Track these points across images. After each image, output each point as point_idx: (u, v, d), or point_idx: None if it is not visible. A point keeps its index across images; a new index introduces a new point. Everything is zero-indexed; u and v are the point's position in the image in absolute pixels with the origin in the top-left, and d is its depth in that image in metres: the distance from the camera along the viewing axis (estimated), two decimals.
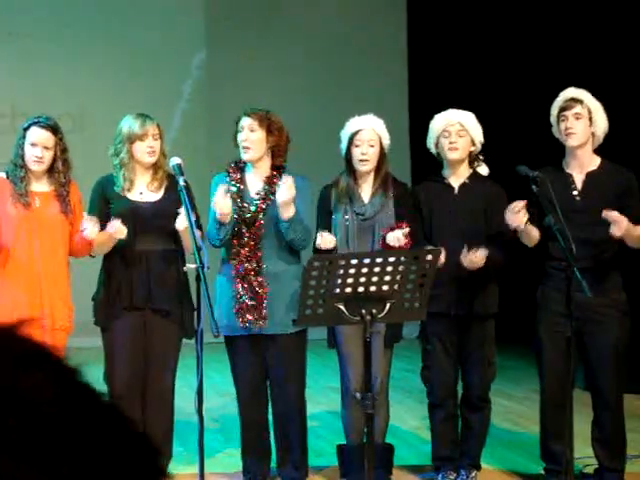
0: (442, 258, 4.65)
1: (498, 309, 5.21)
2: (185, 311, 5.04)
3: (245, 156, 5.00)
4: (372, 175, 5.13)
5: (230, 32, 10.70)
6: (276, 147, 5.02)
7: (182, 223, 4.78)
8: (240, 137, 4.99)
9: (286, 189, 4.83)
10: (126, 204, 5.02)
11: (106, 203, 5.06)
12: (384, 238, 4.96)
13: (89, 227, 4.77)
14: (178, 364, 5.14)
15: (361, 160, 5.05)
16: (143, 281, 4.98)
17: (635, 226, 4.87)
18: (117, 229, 4.81)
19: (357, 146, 5.07)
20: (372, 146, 5.07)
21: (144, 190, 5.09)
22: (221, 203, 4.85)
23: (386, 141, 5.14)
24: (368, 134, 5.08)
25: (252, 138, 4.96)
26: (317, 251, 4.93)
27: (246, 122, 4.98)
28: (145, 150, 5.00)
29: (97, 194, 5.09)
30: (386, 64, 10.92)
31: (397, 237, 4.90)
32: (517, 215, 4.81)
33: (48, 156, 4.93)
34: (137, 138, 4.98)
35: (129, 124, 5.01)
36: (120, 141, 5.02)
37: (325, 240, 4.89)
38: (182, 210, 4.74)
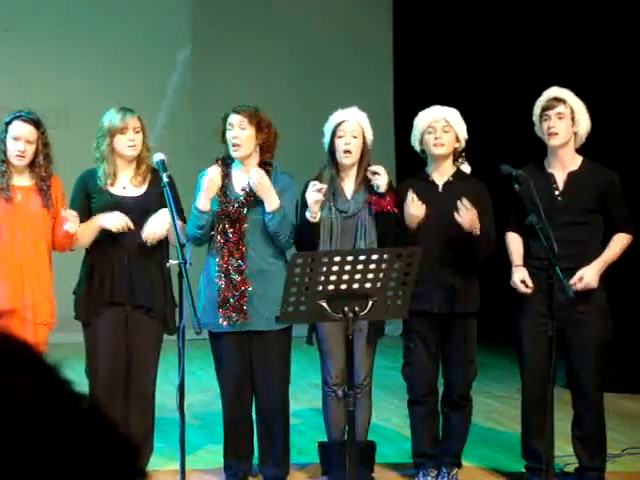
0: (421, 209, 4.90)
1: (480, 307, 5.23)
2: (167, 307, 5.04)
3: (235, 154, 5.00)
4: (355, 168, 5.13)
5: (215, 28, 10.69)
6: (265, 144, 5.03)
7: (159, 228, 4.85)
8: (230, 134, 4.98)
9: (255, 178, 4.88)
10: (108, 198, 5.01)
11: (88, 198, 5.04)
12: (374, 203, 4.98)
13: (70, 220, 4.77)
14: (160, 360, 5.13)
15: (344, 151, 5.06)
16: (125, 277, 4.97)
17: (607, 253, 5.00)
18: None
19: (340, 137, 5.08)
20: (355, 137, 5.08)
21: (127, 184, 5.08)
22: (212, 176, 4.89)
23: (369, 135, 5.15)
24: (351, 125, 5.09)
25: (242, 135, 4.97)
26: (305, 225, 4.94)
27: (235, 119, 4.98)
28: (126, 143, 4.99)
29: (79, 189, 5.08)
30: (371, 61, 10.92)
31: (385, 182, 4.94)
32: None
33: (30, 150, 4.92)
34: (118, 131, 4.97)
35: (110, 117, 5.01)
36: (101, 135, 5.02)
37: (313, 194, 4.90)
38: (150, 223, 4.86)
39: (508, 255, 5.16)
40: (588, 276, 4.92)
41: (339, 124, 5.09)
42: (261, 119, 5.00)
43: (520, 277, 5.01)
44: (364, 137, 5.12)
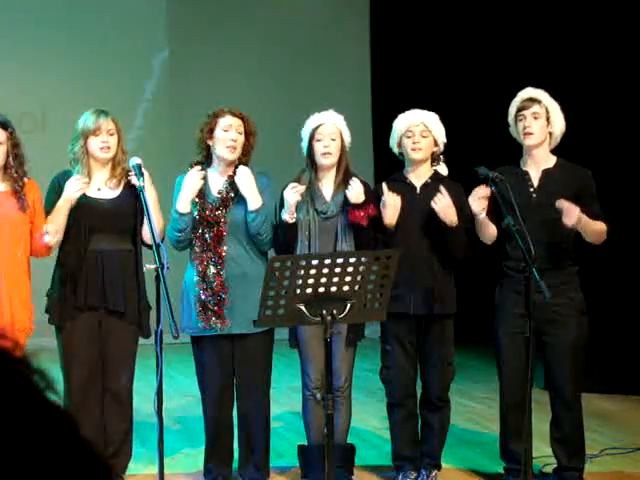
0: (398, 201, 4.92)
1: (457, 309, 5.24)
2: (142, 311, 5.03)
3: (231, 156, 5.01)
4: (334, 170, 5.14)
5: (193, 31, 10.67)
6: (245, 148, 5.06)
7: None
8: (227, 136, 4.98)
9: (243, 177, 4.90)
10: (82, 200, 4.97)
11: None
12: (351, 213, 4.98)
13: (50, 233, 4.74)
14: (139, 365, 5.11)
15: (323, 153, 5.07)
16: (98, 281, 4.95)
17: (589, 219, 4.92)
18: (74, 186, 4.78)
19: (319, 140, 5.08)
20: (333, 140, 5.09)
21: (102, 186, 5.06)
22: (194, 177, 4.88)
23: (347, 137, 5.16)
24: (329, 128, 5.10)
25: (240, 140, 4.99)
26: (282, 226, 4.94)
27: (234, 122, 5.00)
28: (99, 145, 4.97)
29: (53, 190, 5.04)
30: (349, 64, 10.93)
31: (357, 192, 4.94)
32: (480, 200, 4.87)
33: (1, 152, 4.88)
34: (91, 133, 4.96)
35: (84, 119, 5.01)
36: (75, 136, 5.00)
37: (292, 195, 4.91)
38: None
39: (482, 241, 5.14)
40: (572, 208, 4.87)
41: (317, 127, 5.10)
42: (252, 125, 5.08)
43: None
44: (342, 139, 5.13)
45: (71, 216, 4.95)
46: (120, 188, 5.06)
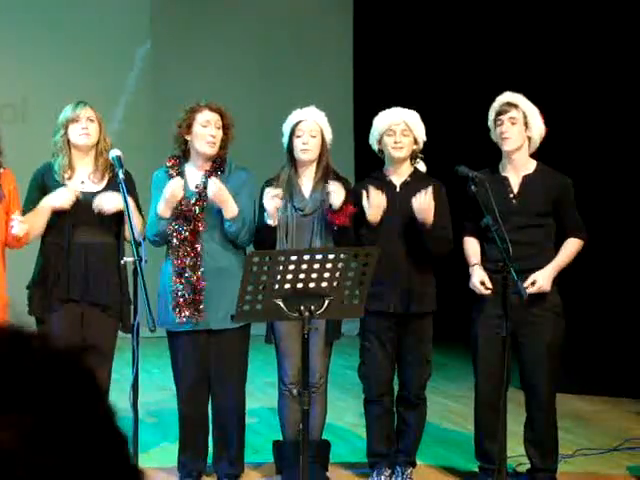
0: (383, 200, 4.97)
1: (436, 307, 5.25)
2: (124, 305, 5.02)
3: (210, 151, 4.99)
4: (314, 167, 5.14)
5: (175, 25, 10.64)
6: (223, 142, 5.04)
7: (109, 207, 4.84)
8: (206, 131, 4.96)
9: (214, 190, 4.88)
10: None
11: (44, 193, 4.99)
12: (330, 215, 4.98)
13: (16, 225, 4.71)
14: (115, 358, 5.10)
15: (303, 150, 5.06)
16: (81, 274, 4.94)
17: (560, 258, 5.04)
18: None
19: (299, 136, 5.08)
20: (314, 136, 5.08)
21: (85, 180, 5.04)
22: (175, 188, 4.87)
23: (328, 134, 5.16)
24: (310, 124, 5.09)
25: (219, 134, 4.98)
26: (264, 228, 4.94)
27: (213, 117, 4.98)
28: (79, 132, 4.97)
29: (35, 183, 5.03)
30: (331, 60, 10.93)
31: (339, 198, 4.94)
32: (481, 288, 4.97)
33: None
34: (70, 122, 4.96)
35: (64, 111, 5.03)
36: (57, 129, 5.00)
37: (270, 202, 4.90)
38: (105, 197, 4.84)
39: (465, 257, 5.18)
40: (541, 281, 4.96)
41: (297, 123, 5.10)
42: (229, 119, 5.06)
43: (479, 278, 5.03)
44: (323, 136, 5.13)
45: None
46: (104, 182, 5.05)
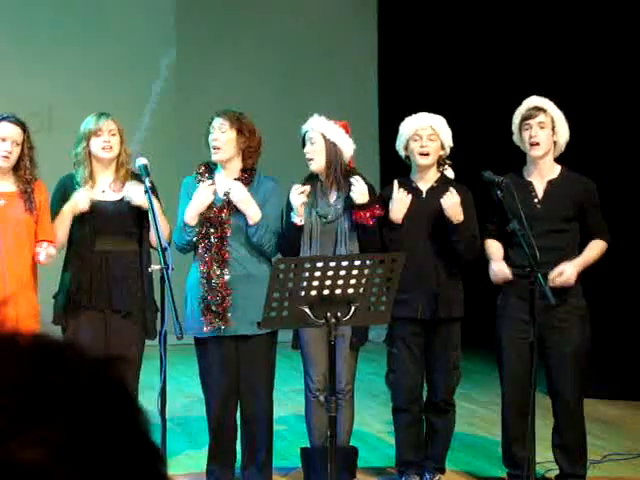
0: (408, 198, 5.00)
1: (464, 313, 5.23)
2: (148, 312, 5.03)
3: (215, 156, 5.01)
4: (330, 174, 5.11)
5: (200, 33, 10.68)
6: (247, 149, 5.03)
7: (138, 201, 4.86)
8: (210, 137, 5.00)
9: (236, 194, 4.89)
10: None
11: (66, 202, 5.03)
12: (357, 215, 4.98)
13: (41, 254, 4.76)
14: (142, 365, 5.11)
15: (308, 160, 5.07)
16: (103, 282, 4.97)
17: (586, 255, 5.01)
18: (82, 196, 4.81)
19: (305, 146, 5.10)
20: (313, 143, 5.07)
21: (106, 189, 5.07)
22: (205, 193, 4.88)
23: (330, 136, 5.08)
24: (310, 134, 5.08)
25: (222, 138, 4.97)
26: (290, 228, 4.95)
27: (217, 122, 5.00)
28: (100, 145, 5.00)
29: (59, 193, 5.07)
30: (356, 67, 10.93)
31: (360, 192, 4.93)
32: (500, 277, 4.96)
33: (16, 152, 4.91)
34: (93, 134, 4.99)
35: (86, 122, 5.06)
36: (78, 140, 5.04)
37: (297, 197, 4.91)
38: (131, 191, 4.87)
39: (487, 256, 5.15)
40: (568, 272, 4.92)
41: (304, 135, 5.10)
42: (243, 123, 5.01)
43: (499, 266, 5.01)
44: (325, 142, 5.08)
45: (76, 218, 4.98)
46: (125, 190, 5.07)
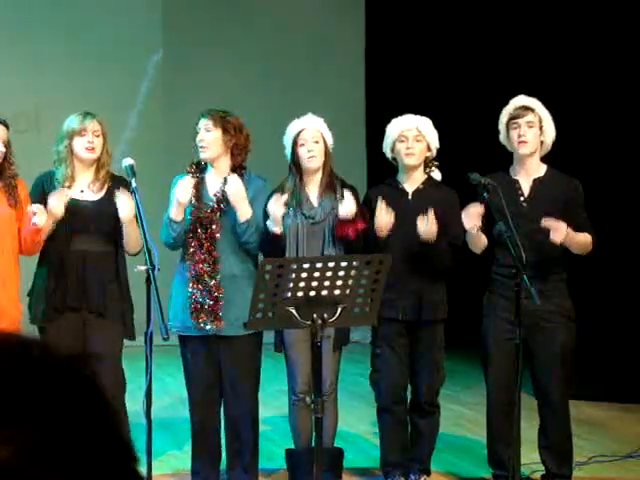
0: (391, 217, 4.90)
1: (448, 314, 5.24)
2: (126, 312, 5.02)
3: (202, 155, 5.02)
4: (319, 174, 5.14)
5: (186, 33, 10.67)
6: (234, 147, 5.04)
7: (126, 213, 4.78)
8: (197, 137, 5.01)
9: (233, 187, 4.86)
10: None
11: (45, 200, 4.99)
12: (339, 227, 4.98)
13: (38, 213, 4.72)
14: (128, 366, 5.09)
15: (309, 157, 5.07)
16: (79, 282, 4.94)
17: (575, 233, 4.92)
18: (56, 201, 4.77)
19: (302, 145, 5.09)
20: (317, 142, 5.09)
21: (85, 188, 5.06)
22: (182, 190, 4.86)
23: (329, 140, 5.16)
24: (311, 132, 5.10)
25: (207, 138, 4.98)
26: (269, 236, 4.94)
27: (202, 122, 5.02)
28: (83, 145, 4.98)
29: (36, 190, 5.04)
30: (343, 68, 10.94)
31: (349, 209, 4.92)
32: (473, 217, 4.86)
33: (3, 151, 4.91)
34: (76, 134, 4.97)
35: (69, 121, 5.03)
36: (60, 137, 5.02)
37: (276, 209, 4.90)
38: (121, 200, 4.79)
39: (472, 249, 5.13)
40: (563, 228, 4.84)
41: (299, 132, 5.10)
42: (228, 122, 5.01)
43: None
44: (325, 142, 5.13)
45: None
46: (103, 191, 5.06)
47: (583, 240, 5.01)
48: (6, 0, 10.28)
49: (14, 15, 10.22)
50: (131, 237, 4.86)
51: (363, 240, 5.05)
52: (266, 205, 5.00)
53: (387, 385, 5.23)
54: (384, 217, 5.00)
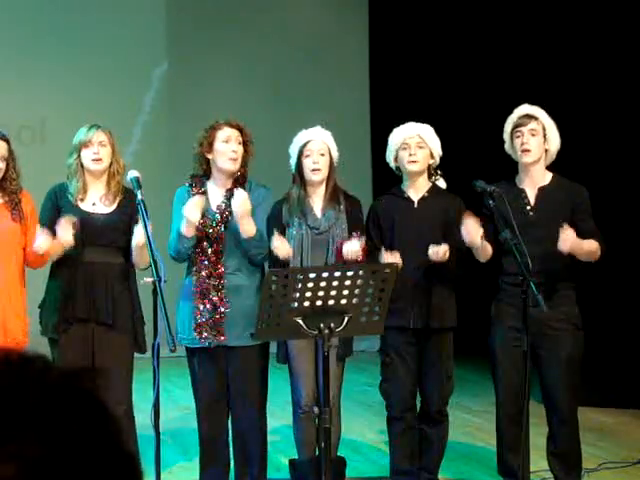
0: (398, 260, 4.80)
1: (457, 322, 5.24)
2: (137, 325, 5.02)
3: (233, 167, 5.00)
4: (323, 186, 5.15)
5: (191, 45, 10.70)
6: (243, 159, 5.06)
7: (139, 238, 4.76)
8: (227, 147, 4.97)
9: (239, 203, 4.86)
10: (77, 214, 4.98)
11: (58, 212, 5.01)
12: (339, 250, 4.98)
13: (40, 241, 4.73)
14: (135, 378, 5.09)
15: (313, 170, 5.08)
16: (89, 294, 4.95)
17: (582, 240, 4.91)
18: (63, 232, 4.76)
19: (307, 156, 5.10)
20: (322, 155, 5.10)
21: (97, 201, 5.07)
22: (192, 209, 4.86)
23: (335, 153, 5.17)
24: (317, 144, 5.11)
25: (240, 150, 4.99)
26: (273, 259, 4.94)
27: (233, 133, 5.00)
28: (90, 156, 5.00)
29: (50, 202, 5.06)
30: (348, 79, 10.95)
31: (352, 250, 4.91)
32: (471, 233, 4.86)
33: (3, 166, 4.93)
34: (83, 145, 5.00)
35: (78, 133, 5.06)
36: (71, 151, 5.04)
37: (281, 248, 4.89)
38: (138, 226, 4.73)
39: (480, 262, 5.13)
40: (570, 235, 4.81)
41: (305, 144, 5.11)
42: (247, 135, 5.06)
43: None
44: (330, 156, 5.14)
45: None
46: (115, 204, 5.07)
47: (589, 248, 4.98)
48: (11, 14, 10.32)
49: (18, 28, 10.26)
50: (142, 258, 4.84)
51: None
52: (272, 218, 5.01)
53: (397, 394, 5.22)
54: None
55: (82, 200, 5.03)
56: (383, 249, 5.01)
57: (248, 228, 4.92)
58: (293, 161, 5.18)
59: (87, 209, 5.03)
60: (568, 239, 4.80)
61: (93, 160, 5.00)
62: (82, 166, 5.02)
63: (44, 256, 4.88)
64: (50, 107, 10.17)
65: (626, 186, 7.94)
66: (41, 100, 10.18)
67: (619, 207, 7.75)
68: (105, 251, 5.00)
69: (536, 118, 5.07)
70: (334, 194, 5.12)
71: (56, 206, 5.03)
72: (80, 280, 4.95)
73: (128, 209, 4.99)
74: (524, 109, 5.12)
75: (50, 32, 10.33)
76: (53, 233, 4.81)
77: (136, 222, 4.77)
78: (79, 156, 5.01)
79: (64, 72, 10.31)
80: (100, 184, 5.08)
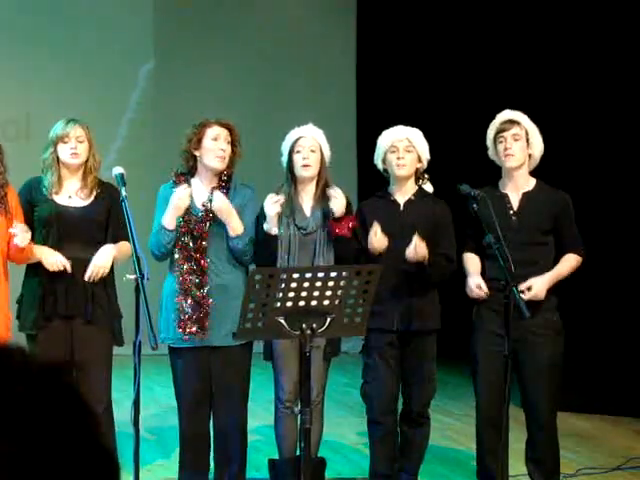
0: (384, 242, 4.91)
1: (440, 325, 5.24)
2: (114, 320, 5.02)
3: (221, 165, 5.01)
4: (313, 184, 5.15)
5: (178, 43, 10.68)
6: (230, 159, 5.06)
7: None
8: (216, 145, 4.97)
9: (218, 205, 4.88)
10: (52, 207, 4.98)
11: (31, 206, 5.00)
12: (333, 227, 4.99)
13: (20, 235, 4.71)
14: (116, 375, 5.08)
15: (303, 165, 5.08)
16: (67, 289, 4.93)
17: (558, 271, 5.03)
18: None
19: (298, 152, 5.10)
20: (313, 152, 5.10)
21: (73, 195, 5.06)
22: (182, 195, 4.87)
23: (326, 151, 5.17)
24: (309, 141, 5.12)
25: (228, 149, 5.00)
26: (265, 239, 4.95)
27: (223, 132, 5.00)
28: (68, 151, 4.99)
29: (23, 197, 5.04)
30: (334, 80, 10.95)
31: (342, 204, 4.96)
32: (476, 291, 4.97)
33: None
34: (60, 140, 4.99)
35: (54, 128, 5.05)
36: (47, 145, 5.04)
37: (270, 207, 4.91)
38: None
39: (465, 271, 5.17)
40: (537, 287, 4.95)
41: (297, 140, 5.12)
42: (237, 135, 5.07)
43: (476, 282, 5.04)
44: (322, 153, 5.15)
45: (42, 224, 4.97)
46: (91, 197, 5.06)
47: (568, 269, 5.11)
48: None
49: (3, 23, 10.21)
50: (119, 259, 4.91)
51: (355, 240, 5.07)
52: (261, 211, 5.02)
53: (378, 397, 5.21)
54: (378, 241, 5.00)
55: (57, 193, 5.02)
56: (374, 226, 5.02)
57: (235, 226, 4.93)
58: (284, 158, 5.18)
59: (62, 202, 5.02)
60: (538, 291, 4.96)
61: (71, 155, 4.99)
62: (58, 160, 5.01)
63: (25, 252, 4.85)
64: (35, 103, 10.13)
65: (609, 193, 7.98)
66: (27, 96, 10.14)
67: (602, 213, 7.78)
68: (82, 245, 4.98)
69: (518, 123, 5.09)
70: (324, 194, 5.12)
71: (29, 200, 5.01)
72: (59, 275, 4.93)
73: (105, 202, 4.98)
74: (506, 114, 5.14)
75: (36, 28, 10.28)
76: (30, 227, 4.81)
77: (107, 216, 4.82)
78: (55, 150, 5.00)
79: (50, 67, 10.27)
80: (75, 178, 5.07)
